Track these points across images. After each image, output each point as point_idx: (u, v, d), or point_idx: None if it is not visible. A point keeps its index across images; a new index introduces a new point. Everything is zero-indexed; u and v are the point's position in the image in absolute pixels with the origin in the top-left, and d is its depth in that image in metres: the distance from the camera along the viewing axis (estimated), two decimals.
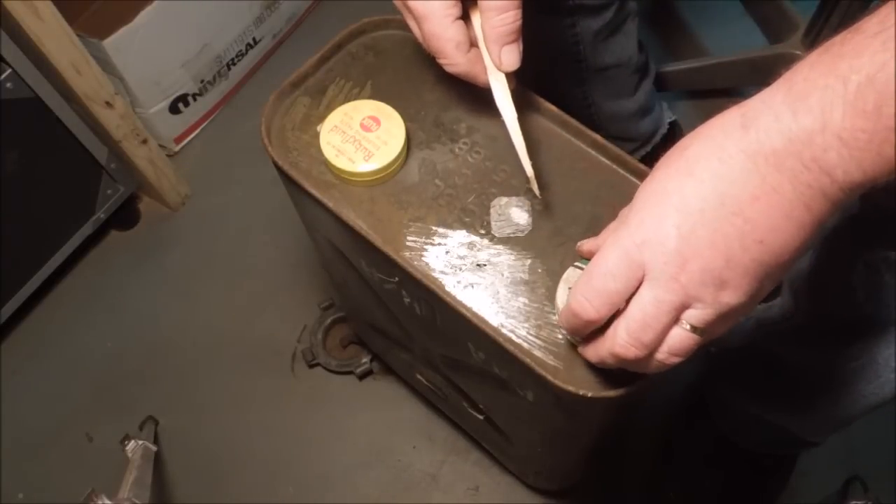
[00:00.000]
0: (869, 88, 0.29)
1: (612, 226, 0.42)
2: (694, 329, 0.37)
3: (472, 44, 0.50)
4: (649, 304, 0.37)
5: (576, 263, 0.49)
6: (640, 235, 0.36)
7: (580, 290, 0.39)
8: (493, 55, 0.48)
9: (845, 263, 0.56)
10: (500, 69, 0.49)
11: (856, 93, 0.29)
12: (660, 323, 0.37)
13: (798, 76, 0.32)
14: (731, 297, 0.36)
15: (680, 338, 0.37)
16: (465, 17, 0.49)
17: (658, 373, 0.40)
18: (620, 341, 0.38)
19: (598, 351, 0.41)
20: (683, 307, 0.37)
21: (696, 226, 0.35)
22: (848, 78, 0.29)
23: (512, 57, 0.48)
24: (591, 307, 0.39)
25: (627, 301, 0.38)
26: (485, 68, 0.50)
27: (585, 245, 0.47)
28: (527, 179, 0.51)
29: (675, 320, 0.37)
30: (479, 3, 0.47)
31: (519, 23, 0.47)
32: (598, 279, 0.38)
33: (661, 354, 0.38)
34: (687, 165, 0.35)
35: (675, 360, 0.38)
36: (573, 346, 0.49)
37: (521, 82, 0.53)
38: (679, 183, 0.35)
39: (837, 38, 0.31)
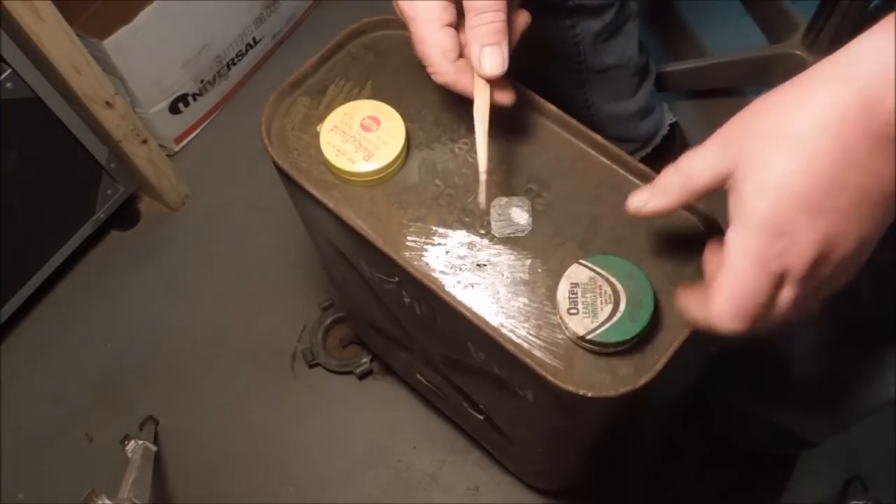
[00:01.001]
0: None
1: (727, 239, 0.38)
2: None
3: (463, 53, 0.47)
4: (789, 301, 0.37)
5: (580, 261, 0.49)
6: (775, 247, 0.35)
7: (724, 311, 0.37)
8: (473, 59, 0.45)
9: None
10: (481, 74, 0.46)
11: None
12: (786, 308, 0.37)
13: None
14: (853, 268, 0.37)
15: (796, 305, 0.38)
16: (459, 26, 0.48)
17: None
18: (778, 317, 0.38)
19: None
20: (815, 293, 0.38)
21: (830, 226, 0.34)
22: None
23: (493, 60, 0.45)
24: (737, 327, 0.37)
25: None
26: (472, 79, 0.48)
27: (646, 206, 0.42)
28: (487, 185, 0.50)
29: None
30: (463, 6, 0.45)
31: (500, 24, 0.44)
32: (742, 301, 0.36)
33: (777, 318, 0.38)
34: (807, 161, 0.33)
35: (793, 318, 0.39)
36: (574, 346, 0.49)
37: (521, 85, 0.52)
38: (802, 184, 0.33)
39: None
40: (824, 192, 0.33)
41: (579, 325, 0.47)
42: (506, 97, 0.49)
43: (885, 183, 0.33)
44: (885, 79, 0.31)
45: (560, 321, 0.49)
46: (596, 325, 0.47)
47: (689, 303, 0.41)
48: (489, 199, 0.53)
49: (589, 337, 0.47)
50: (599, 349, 0.48)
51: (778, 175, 0.34)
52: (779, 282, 0.36)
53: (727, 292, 0.36)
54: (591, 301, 0.47)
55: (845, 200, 0.33)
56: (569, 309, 0.48)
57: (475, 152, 0.57)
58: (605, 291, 0.48)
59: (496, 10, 0.44)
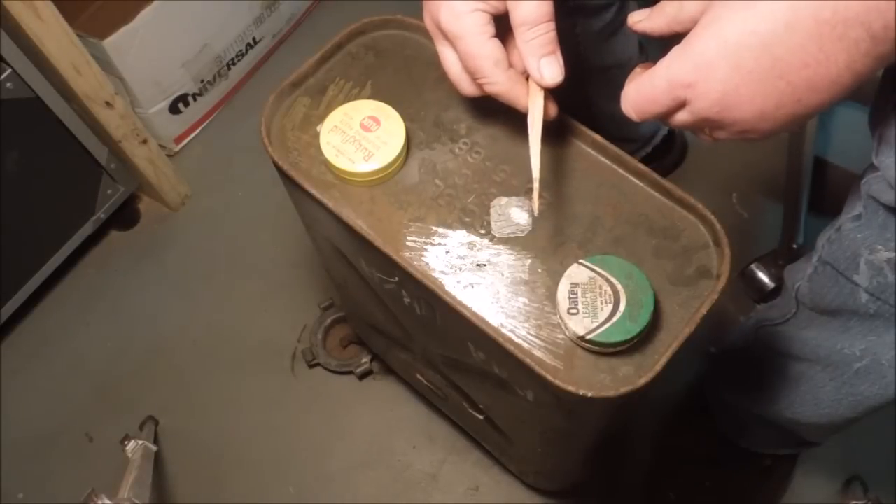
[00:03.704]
0: None
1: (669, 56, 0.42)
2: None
3: (511, 64, 0.49)
4: (683, 123, 0.42)
5: (580, 261, 0.49)
6: (689, 77, 0.39)
7: (628, 100, 0.44)
8: (532, 71, 0.47)
9: (848, 264, 0.56)
10: (542, 84, 0.48)
11: None
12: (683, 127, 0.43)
13: None
14: (752, 135, 0.40)
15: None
16: (501, 38, 0.48)
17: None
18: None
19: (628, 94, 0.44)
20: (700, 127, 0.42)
21: (742, 84, 0.37)
22: None
23: (552, 69, 0.47)
24: (634, 115, 0.44)
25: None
26: (524, 90, 0.49)
27: (639, 25, 0.48)
28: (531, 193, 0.52)
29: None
30: (511, 20, 0.46)
31: (553, 34, 0.47)
32: (643, 100, 0.42)
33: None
34: (753, 19, 0.36)
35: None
36: (574, 346, 0.49)
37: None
38: (738, 35, 0.36)
39: None
40: (750, 48, 0.36)
41: (579, 325, 0.47)
42: (553, 110, 0.51)
43: (812, 72, 0.35)
44: None
45: (560, 321, 0.49)
46: (596, 325, 0.47)
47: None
48: (539, 206, 0.54)
49: (589, 337, 0.47)
50: (599, 349, 0.48)
51: (725, 18, 0.37)
52: (680, 105, 0.41)
53: (634, 90, 0.43)
54: (591, 301, 0.47)
55: (764, 66, 0.36)
56: (569, 309, 0.48)
57: (475, 152, 0.57)
58: (605, 291, 0.48)
59: (549, 20, 0.46)
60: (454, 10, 0.47)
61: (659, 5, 0.46)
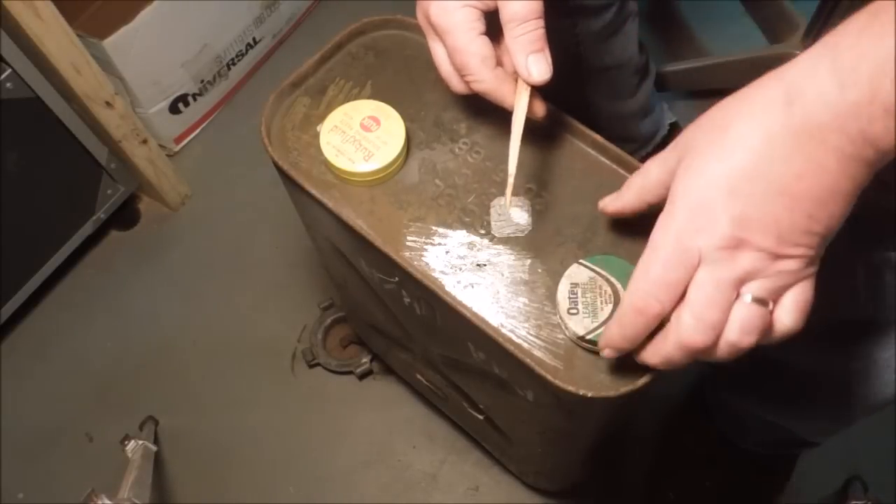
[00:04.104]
0: None
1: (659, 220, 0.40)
2: (757, 300, 0.37)
3: (499, 62, 0.49)
4: (709, 284, 0.37)
5: (580, 261, 0.49)
6: (692, 224, 0.36)
7: (641, 286, 0.38)
8: (520, 68, 0.47)
9: (846, 265, 0.56)
10: (529, 81, 0.47)
11: None
12: (722, 299, 0.37)
13: (844, 43, 0.31)
14: (787, 265, 0.36)
15: (746, 312, 0.37)
16: (491, 37, 0.48)
17: (733, 357, 0.40)
18: (687, 329, 0.37)
19: (663, 349, 0.40)
20: (742, 282, 0.37)
21: (746, 209, 0.35)
22: None
23: (540, 67, 0.47)
24: (656, 301, 0.38)
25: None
26: (512, 88, 0.49)
27: (610, 205, 0.46)
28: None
29: (737, 296, 0.37)
30: (501, 17, 0.46)
31: (542, 31, 0.46)
32: (657, 271, 0.37)
33: (732, 335, 0.38)
34: (731, 148, 0.35)
35: (749, 338, 0.38)
36: (574, 346, 0.49)
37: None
38: (724, 167, 0.35)
39: (885, 3, 0.30)
40: (742, 176, 0.35)
41: (579, 325, 0.47)
42: (540, 109, 0.50)
43: (807, 182, 0.33)
44: (807, 76, 0.33)
45: (560, 321, 0.49)
46: (596, 325, 0.47)
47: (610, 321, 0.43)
48: (515, 202, 0.55)
49: (589, 337, 0.47)
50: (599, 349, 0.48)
51: (704, 158, 0.36)
52: (694, 266, 0.37)
53: (643, 265, 0.38)
54: (591, 301, 0.47)
55: (761, 189, 0.34)
56: (569, 309, 0.48)
57: (475, 152, 0.57)
58: (605, 291, 0.48)
59: (538, 17, 0.46)
60: (444, 5, 0.47)
61: (626, 182, 0.45)
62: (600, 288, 0.48)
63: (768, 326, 0.38)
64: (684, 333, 0.38)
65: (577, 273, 0.48)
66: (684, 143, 0.38)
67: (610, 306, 0.47)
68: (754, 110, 0.35)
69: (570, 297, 0.48)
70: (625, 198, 0.45)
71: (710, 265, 0.36)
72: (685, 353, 0.39)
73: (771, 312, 0.38)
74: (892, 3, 0.30)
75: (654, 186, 0.41)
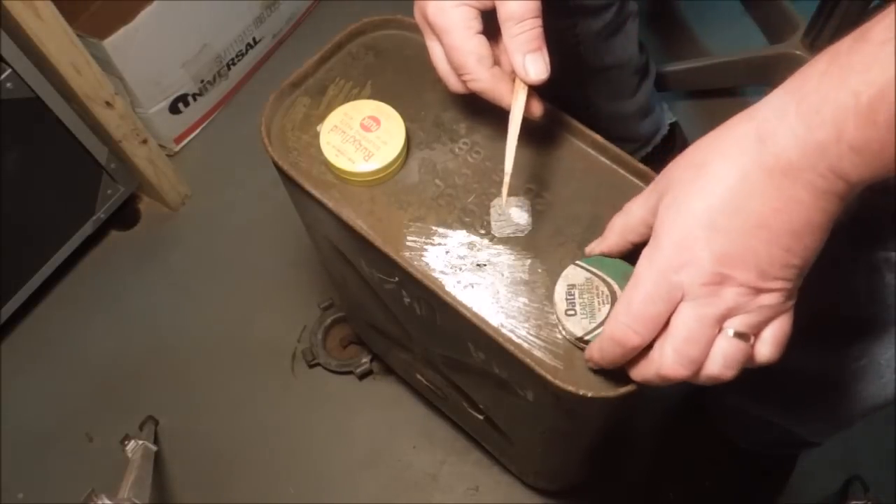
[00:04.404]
0: (880, 103, 0.30)
1: (645, 251, 0.41)
2: (739, 335, 0.38)
3: (496, 62, 0.49)
4: (692, 319, 0.38)
5: (577, 262, 0.49)
6: (676, 260, 0.37)
7: (621, 318, 0.39)
8: (517, 67, 0.47)
9: (846, 264, 0.56)
10: (526, 80, 0.47)
11: (868, 106, 0.30)
12: (704, 336, 0.38)
13: (808, 86, 0.33)
14: (768, 299, 0.37)
15: (728, 347, 0.38)
16: (489, 36, 0.48)
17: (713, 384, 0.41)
18: (668, 361, 0.39)
19: (646, 373, 0.42)
20: (724, 318, 0.38)
21: (726, 244, 0.36)
22: (859, 92, 0.30)
23: (537, 66, 0.47)
24: (634, 334, 0.39)
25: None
26: (509, 88, 0.49)
27: (596, 248, 0.48)
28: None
29: (719, 331, 0.38)
30: (498, 16, 0.46)
31: (539, 30, 0.46)
32: (638, 305, 0.39)
33: (714, 369, 0.39)
34: (709, 185, 0.36)
35: (729, 372, 0.39)
36: (573, 346, 0.49)
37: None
38: (703, 203, 0.36)
39: (844, 46, 0.32)
40: (720, 211, 0.36)
41: (577, 326, 0.47)
42: (537, 108, 0.50)
43: (784, 216, 0.35)
44: (777, 116, 0.34)
45: (558, 322, 0.49)
46: (594, 325, 0.47)
47: (593, 343, 0.45)
48: (511, 201, 0.55)
49: (587, 338, 0.47)
50: None
51: (685, 195, 0.37)
52: (676, 301, 0.38)
53: (626, 298, 0.39)
54: (588, 302, 0.47)
55: (739, 224, 0.35)
56: (566, 310, 0.48)
57: (475, 152, 0.57)
58: (603, 292, 0.48)
59: (535, 16, 0.46)
60: (441, 4, 0.47)
61: (609, 225, 0.46)
62: (597, 289, 0.48)
63: (749, 359, 0.39)
64: (665, 365, 0.39)
65: (573, 274, 0.48)
66: (665, 182, 0.39)
67: (607, 307, 0.47)
68: (729, 149, 0.36)
69: (567, 299, 0.48)
70: (609, 240, 0.47)
71: (693, 301, 0.37)
72: (665, 382, 0.41)
73: (752, 346, 0.39)
74: (847, 44, 0.31)
75: (637, 225, 0.43)
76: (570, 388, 0.47)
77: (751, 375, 0.81)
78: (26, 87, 0.89)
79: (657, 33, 1.31)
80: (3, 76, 0.86)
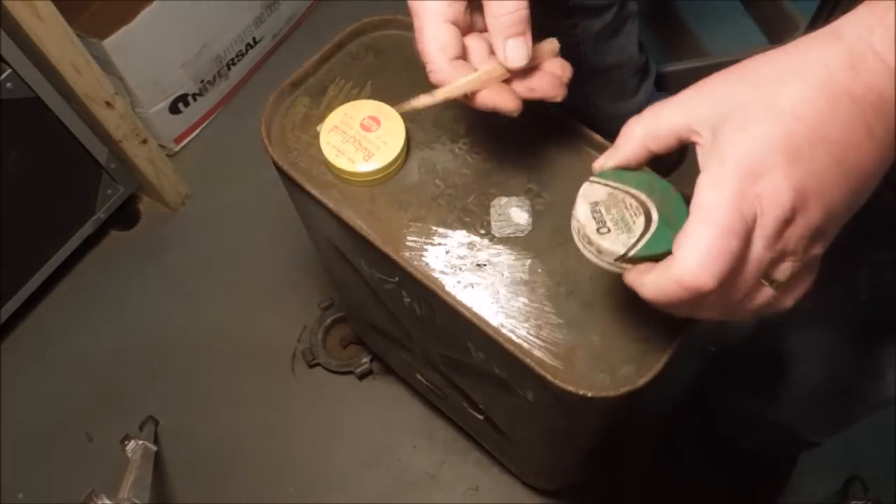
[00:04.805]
0: None
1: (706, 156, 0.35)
2: (776, 284, 0.35)
3: (462, 56, 0.45)
4: (758, 262, 0.34)
5: (591, 179, 0.42)
6: (750, 189, 0.32)
7: (695, 257, 0.33)
8: (497, 51, 0.43)
9: (848, 264, 0.56)
10: (505, 65, 0.44)
11: None
12: (756, 276, 0.34)
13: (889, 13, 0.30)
14: (819, 249, 0.34)
15: (766, 297, 0.35)
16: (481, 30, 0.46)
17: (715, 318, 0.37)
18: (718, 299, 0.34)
19: (667, 286, 0.35)
20: (778, 262, 0.34)
21: (807, 177, 0.32)
22: None
23: (518, 52, 0.43)
24: (711, 277, 0.33)
25: None
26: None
27: (609, 161, 0.41)
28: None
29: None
30: None
31: (524, 13, 0.42)
32: (718, 240, 0.32)
33: (742, 311, 0.36)
34: (790, 109, 0.32)
35: (754, 316, 0.36)
36: (573, 346, 0.49)
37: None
38: (783, 128, 0.32)
39: None
40: (805, 138, 0.32)
41: (616, 243, 0.40)
42: (510, 102, 0.46)
43: (862, 153, 0.32)
44: (865, 40, 0.31)
45: (590, 247, 0.41)
46: (634, 239, 0.39)
47: (640, 275, 0.37)
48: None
49: (632, 254, 0.39)
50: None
51: (760, 117, 0.33)
52: (749, 233, 0.33)
53: (700, 233, 0.33)
54: (619, 216, 0.40)
55: (823, 154, 0.32)
56: (598, 229, 0.40)
57: (475, 152, 0.57)
58: (631, 204, 0.41)
59: None
60: None
61: (623, 132, 0.39)
62: (623, 202, 0.41)
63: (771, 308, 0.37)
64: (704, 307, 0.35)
65: (592, 192, 0.42)
66: (723, 97, 0.34)
67: (641, 218, 0.40)
68: (814, 69, 0.32)
69: (594, 217, 0.40)
70: (625, 150, 0.39)
71: (760, 239, 0.33)
72: (686, 297, 0.35)
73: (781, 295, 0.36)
74: None
75: (667, 135, 0.37)
76: (570, 388, 0.47)
77: (752, 375, 0.81)
78: (26, 87, 0.89)
79: (657, 33, 1.31)
80: (3, 76, 0.86)
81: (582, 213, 0.41)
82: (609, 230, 0.40)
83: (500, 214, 0.54)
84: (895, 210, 0.51)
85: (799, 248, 0.34)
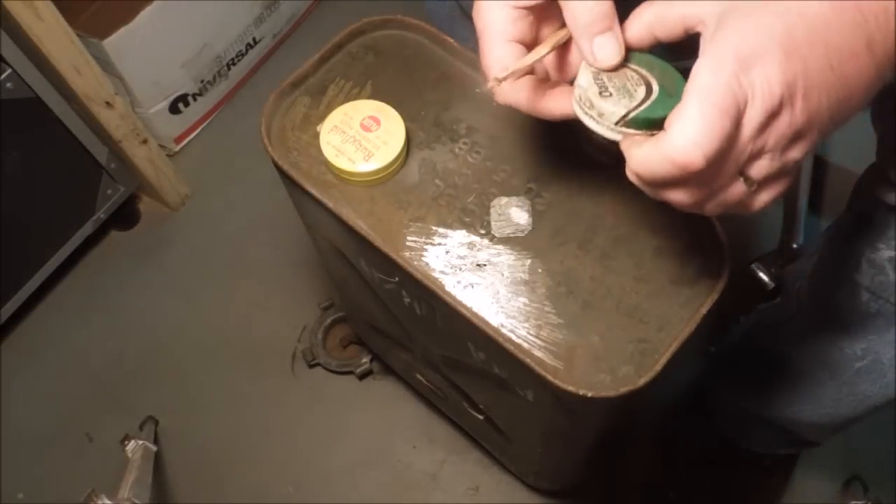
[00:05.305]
0: None
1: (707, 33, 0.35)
2: (750, 182, 0.35)
3: (533, 71, 0.43)
4: (742, 152, 0.34)
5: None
6: (744, 75, 0.32)
7: (689, 133, 0.32)
8: (585, 54, 0.40)
9: (849, 262, 0.56)
10: (597, 66, 0.40)
11: None
12: (738, 163, 0.34)
13: None
14: (797, 152, 0.34)
15: (739, 192, 0.36)
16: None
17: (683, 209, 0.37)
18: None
19: (654, 157, 0.35)
20: (756, 157, 0.34)
21: (798, 73, 0.32)
22: None
23: (607, 49, 0.39)
24: (701, 155, 0.32)
25: None
26: (532, 96, 0.43)
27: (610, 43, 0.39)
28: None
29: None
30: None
31: (610, 6, 0.39)
32: (712, 119, 0.32)
33: (714, 205, 0.36)
34: (795, 6, 0.32)
35: (725, 211, 0.36)
36: (573, 346, 0.49)
37: None
38: (785, 24, 0.32)
39: None
40: (805, 36, 0.32)
41: (619, 105, 0.40)
42: (558, 107, 0.43)
43: (857, 64, 0.32)
44: None
45: (590, 111, 0.41)
46: (636, 103, 0.40)
47: (633, 145, 0.37)
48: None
49: (633, 115, 0.39)
50: (643, 132, 0.40)
51: (765, 8, 0.33)
52: (740, 118, 0.33)
53: (694, 112, 0.33)
54: (620, 85, 0.41)
55: (819, 55, 0.32)
56: (600, 92, 0.40)
57: (475, 152, 0.57)
58: (632, 76, 0.41)
59: None
60: (480, 4, 0.43)
61: (634, 14, 0.39)
62: (625, 74, 0.41)
63: (741, 206, 0.37)
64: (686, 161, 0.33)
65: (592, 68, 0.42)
66: None
67: (642, 87, 0.40)
68: None
69: (597, 83, 0.41)
70: (632, 30, 0.39)
71: (747, 126, 0.33)
72: (658, 198, 0.36)
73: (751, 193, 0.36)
74: None
75: (675, 22, 0.37)
76: (570, 388, 0.47)
77: (752, 374, 0.82)
78: (26, 87, 0.89)
79: None
80: (3, 76, 0.86)
81: (584, 79, 0.41)
82: (611, 94, 0.40)
83: (500, 214, 0.54)
84: (895, 210, 0.51)
85: (778, 146, 0.34)
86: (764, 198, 0.37)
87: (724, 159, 0.34)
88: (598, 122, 0.41)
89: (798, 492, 0.94)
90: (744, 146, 0.34)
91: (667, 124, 0.35)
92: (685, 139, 0.33)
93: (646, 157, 0.35)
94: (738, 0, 0.34)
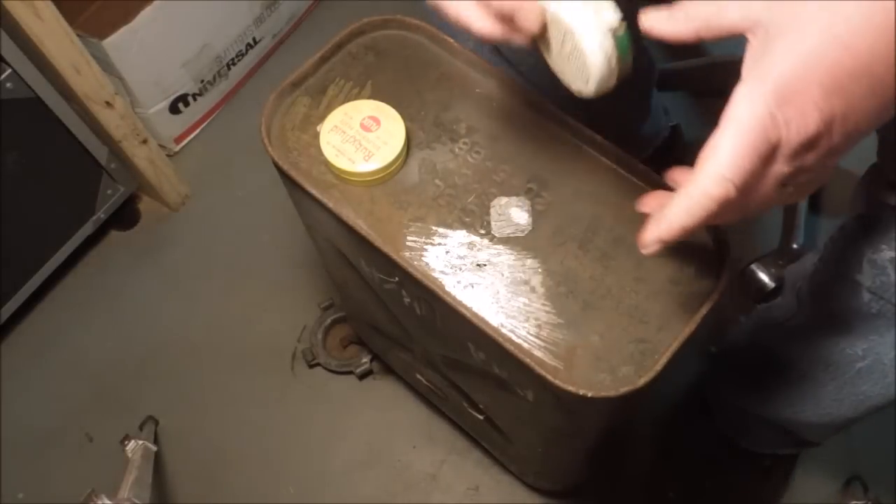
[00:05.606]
0: None
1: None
2: (790, 188, 0.36)
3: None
4: (774, 179, 0.35)
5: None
6: (785, 111, 0.33)
7: (723, 167, 0.33)
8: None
9: (851, 263, 0.56)
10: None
11: None
12: (770, 189, 0.35)
13: None
14: (833, 160, 0.35)
15: (779, 198, 0.37)
16: None
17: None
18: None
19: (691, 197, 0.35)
20: (794, 177, 0.35)
21: (840, 108, 0.32)
22: None
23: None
24: (734, 188, 0.33)
25: None
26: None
27: (660, 25, 0.38)
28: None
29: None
30: None
31: None
32: (744, 153, 0.33)
33: (749, 210, 0.37)
34: (850, 36, 0.32)
35: (762, 211, 0.37)
36: (573, 346, 0.49)
37: (521, 84, 0.51)
38: (833, 57, 0.32)
39: None
40: (850, 71, 0.32)
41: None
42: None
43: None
44: None
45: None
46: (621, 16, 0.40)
47: (660, 214, 0.36)
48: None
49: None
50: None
51: (814, 39, 0.32)
52: (772, 153, 0.34)
53: (729, 142, 0.33)
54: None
55: (863, 85, 0.32)
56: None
57: (475, 152, 0.57)
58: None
59: None
60: None
61: (683, 5, 0.38)
62: None
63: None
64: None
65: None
66: (789, 10, 0.34)
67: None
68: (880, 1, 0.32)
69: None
70: (680, 26, 0.38)
71: (782, 158, 0.34)
72: (712, 208, 0.35)
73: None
74: None
75: (727, 27, 0.37)
76: (570, 388, 0.47)
77: (752, 374, 0.81)
78: (26, 87, 0.89)
79: None
80: (3, 76, 0.86)
81: (588, 44, 0.40)
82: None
83: (500, 214, 0.54)
84: (895, 210, 0.51)
85: (816, 166, 0.35)
86: (804, 195, 0.38)
87: (757, 185, 0.35)
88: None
89: (798, 492, 0.94)
90: (779, 172, 0.35)
91: (701, 158, 0.35)
92: (717, 165, 0.33)
93: (686, 209, 0.35)
94: (789, 16, 0.34)
